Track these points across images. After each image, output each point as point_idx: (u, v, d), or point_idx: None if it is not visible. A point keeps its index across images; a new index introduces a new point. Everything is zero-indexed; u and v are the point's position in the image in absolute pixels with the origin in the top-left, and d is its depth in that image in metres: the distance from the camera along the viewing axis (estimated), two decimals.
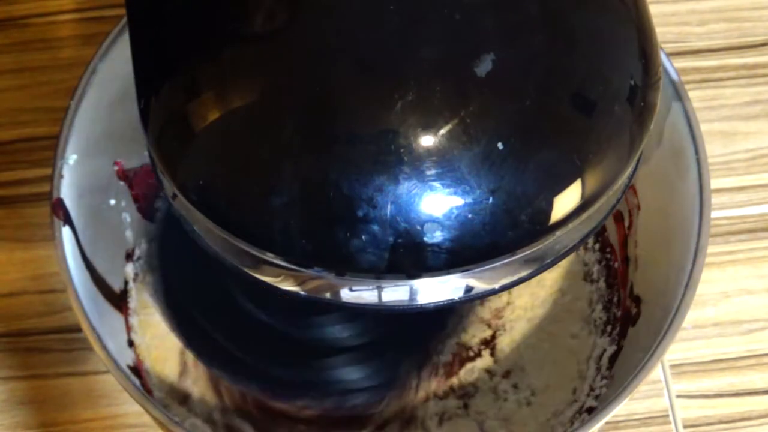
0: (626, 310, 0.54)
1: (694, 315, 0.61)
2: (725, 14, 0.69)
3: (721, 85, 0.67)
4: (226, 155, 0.34)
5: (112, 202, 0.54)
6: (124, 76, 0.47)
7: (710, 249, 0.47)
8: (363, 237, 0.32)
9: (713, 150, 0.65)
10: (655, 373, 0.60)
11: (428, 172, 0.32)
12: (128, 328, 0.55)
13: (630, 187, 0.53)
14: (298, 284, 0.37)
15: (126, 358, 0.52)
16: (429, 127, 0.32)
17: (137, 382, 0.48)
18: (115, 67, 0.49)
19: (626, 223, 0.55)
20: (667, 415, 0.59)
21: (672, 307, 0.46)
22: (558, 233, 0.35)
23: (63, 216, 0.47)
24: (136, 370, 0.53)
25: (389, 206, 0.32)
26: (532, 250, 0.35)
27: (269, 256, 0.35)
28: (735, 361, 0.60)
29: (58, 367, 0.60)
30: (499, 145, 0.32)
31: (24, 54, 0.67)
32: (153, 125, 0.36)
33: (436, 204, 0.32)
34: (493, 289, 0.37)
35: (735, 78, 0.68)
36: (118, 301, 0.54)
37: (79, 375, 0.60)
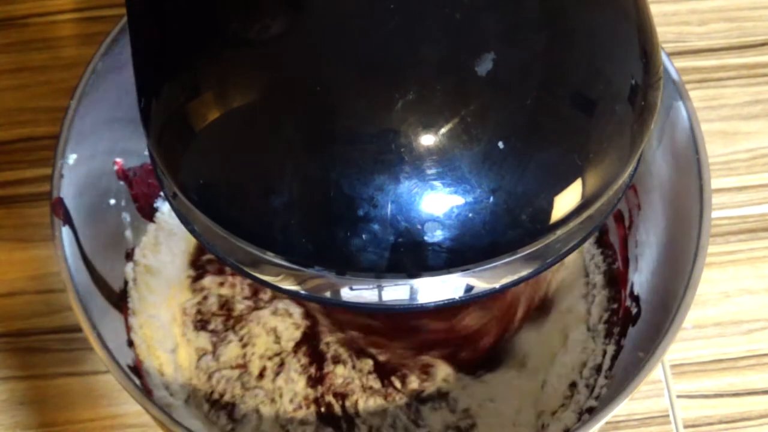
0: (626, 310, 0.54)
1: (694, 315, 0.61)
2: (725, 14, 0.69)
3: (721, 84, 0.67)
4: (226, 154, 0.34)
5: (112, 201, 0.54)
6: (124, 75, 0.48)
7: (711, 249, 0.47)
8: (364, 236, 0.32)
9: (713, 150, 0.65)
10: (656, 373, 0.60)
11: (429, 172, 0.32)
12: (128, 328, 0.55)
13: (630, 187, 0.53)
14: (299, 283, 0.37)
15: (126, 358, 0.52)
16: (430, 126, 0.32)
17: (137, 381, 0.48)
18: (115, 67, 0.49)
19: (626, 223, 0.54)
20: (668, 415, 0.59)
21: (672, 307, 0.46)
22: (558, 232, 0.35)
23: (63, 216, 0.47)
24: (136, 369, 0.53)
25: (390, 205, 0.32)
26: (533, 249, 0.35)
27: (270, 256, 0.35)
28: (735, 361, 0.60)
29: (57, 367, 0.60)
30: (500, 145, 0.32)
31: (24, 54, 0.67)
32: (154, 125, 0.36)
33: (437, 203, 0.32)
34: (494, 288, 0.37)
35: (735, 78, 0.67)
36: (118, 301, 0.54)
37: (78, 375, 0.60)
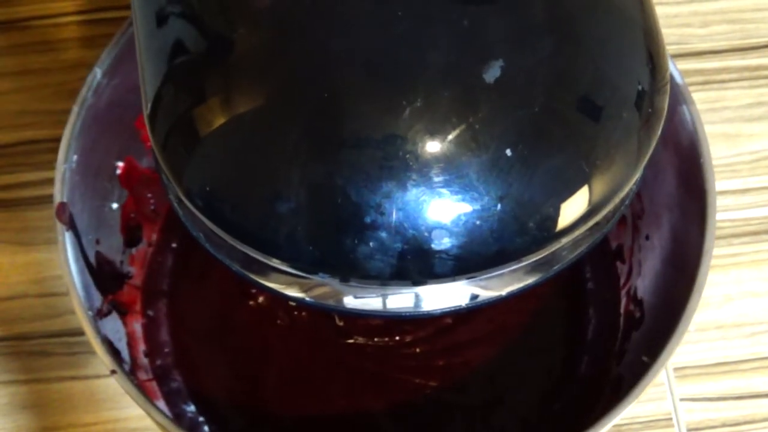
0: (629, 314, 0.53)
1: (697, 318, 0.60)
2: (728, 16, 0.69)
3: (723, 87, 0.67)
4: (232, 161, 0.34)
5: (115, 205, 0.54)
6: (127, 79, 0.47)
7: (714, 251, 0.47)
8: (370, 243, 0.32)
9: (716, 152, 0.65)
10: (659, 376, 0.60)
11: (436, 179, 0.32)
12: (130, 331, 0.54)
13: None
14: (305, 291, 0.37)
15: (128, 361, 0.52)
16: (437, 133, 0.32)
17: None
18: (118, 72, 0.49)
19: (630, 227, 0.54)
20: (671, 419, 0.59)
21: (676, 311, 0.45)
22: (565, 240, 0.35)
23: (66, 220, 0.47)
24: (137, 372, 0.53)
25: (397, 213, 0.32)
26: (540, 256, 0.35)
27: (275, 263, 0.34)
28: (738, 364, 0.60)
29: (59, 370, 0.60)
30: (508, 152, 0.32)
31: (26, 56, 0.67)
32: (159, 130, 0.36)
33: (444, 210, 0.32)
34: (500, 295, 0.37)
35: (738, 80, 0.67)
36: (121, 304, 0.54)
37: (80, 379, 0.60)
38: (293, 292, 0.37)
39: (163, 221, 0.58)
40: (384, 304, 0.37)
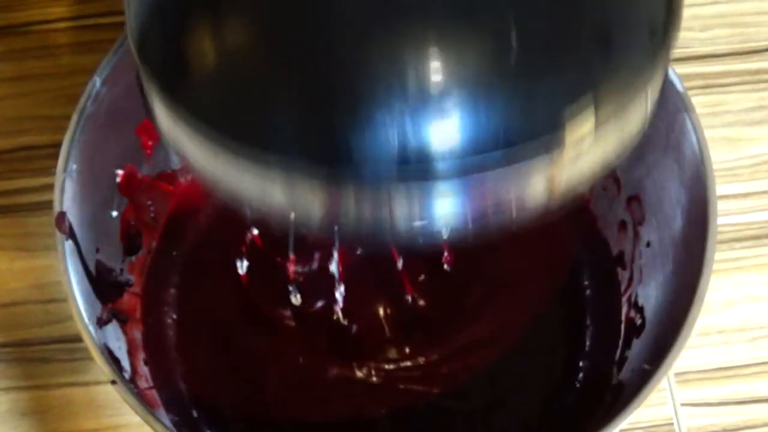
0: (630, 321, 0.53)
1: (698, 322, 0.60)
2: (728, 19, 0.69)
3: (724, 90, 0.67)
4: (218, 51, 0.33)
5: (114, 213, 0.54)
6: (127, 87, 0.47)
7: (715, 256, 0.46)
8: (369, 137, 0.31)
9: (717, 156, 0.64)
10: None
11: (439, 78, 0.31)
12: (130, 339, 0.54)
13: (634, 198, 0.53)
14: (294, 200, 0.35)
15: (128, 369, 0.52)
16: (441, 29, 0.31)
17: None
18: (118, 79, 0.49)
19: (630, 233, 0.54)
20: (672, 423, 0.59)
21: (678, 318, 0.45)
22: (571, 148, 0.34)
23: (66, 229, 0.47)
24: (137, 380, 0.53)
25: (399, 110, 0.31)
26: (548, 162, 0.34)
27: (267, 162, 0.33)
28: (740, 368, 0.60)
29: (60, 377, 0.60)
30: (514, 47, 0.31)
31: (24, 62, 0.67)
32: (139, 30, 0.35)
33: (448, 108, 0.31)
34: (510, 217, 0.35)
35: (739, 83, 0.67)
36: (120, 312, 0.54)
37: (81, 385, 0.59)
38: (280, 200, 0.35)
39: (162, 229, 0.58)
40: (381, 220, 0.35)
